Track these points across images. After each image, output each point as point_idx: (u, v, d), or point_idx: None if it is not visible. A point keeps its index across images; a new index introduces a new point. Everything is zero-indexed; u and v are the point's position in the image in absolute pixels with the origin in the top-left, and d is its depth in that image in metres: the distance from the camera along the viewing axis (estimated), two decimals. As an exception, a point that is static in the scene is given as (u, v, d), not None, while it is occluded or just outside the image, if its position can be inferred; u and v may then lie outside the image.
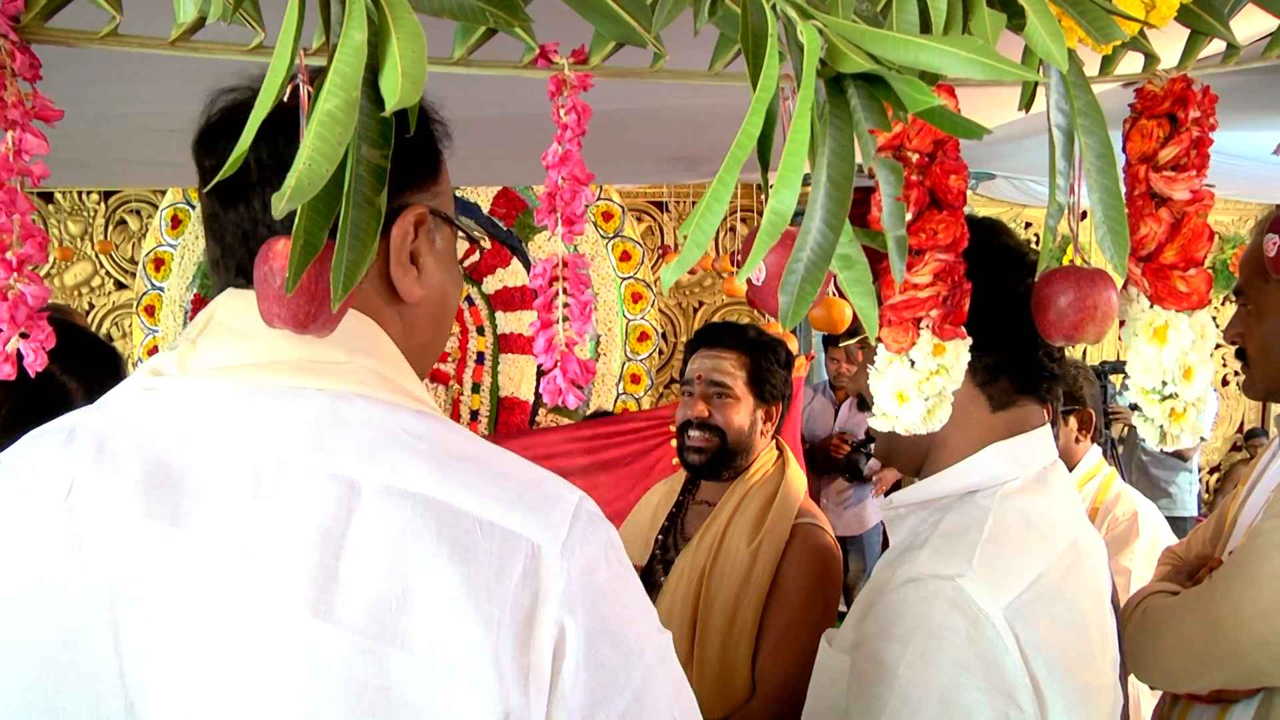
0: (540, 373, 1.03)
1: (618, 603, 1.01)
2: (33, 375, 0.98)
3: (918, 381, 1.22)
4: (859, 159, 0.79)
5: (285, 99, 0.82)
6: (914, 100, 0.68)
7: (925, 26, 0.85)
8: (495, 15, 0.84)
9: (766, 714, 2.29)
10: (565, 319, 1.01)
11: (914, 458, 1.62)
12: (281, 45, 0.73)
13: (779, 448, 2.73)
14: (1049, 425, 1.63)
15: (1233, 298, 2.15)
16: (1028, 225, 7.82)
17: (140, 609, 0.95)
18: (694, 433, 2.64)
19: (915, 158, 1.14)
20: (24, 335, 0.98)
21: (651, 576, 2.67)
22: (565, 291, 1.02)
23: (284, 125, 0.97)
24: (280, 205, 0.73)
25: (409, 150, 1.10)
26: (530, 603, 0.95)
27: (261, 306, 0.93)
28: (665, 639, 1.07)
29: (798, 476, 2.64)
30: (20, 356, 0.98)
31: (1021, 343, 1.53)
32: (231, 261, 1.08)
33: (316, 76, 0.81)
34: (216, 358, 1.04)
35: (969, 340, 1.24)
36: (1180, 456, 6.54)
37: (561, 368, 0.99)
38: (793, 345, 4.28)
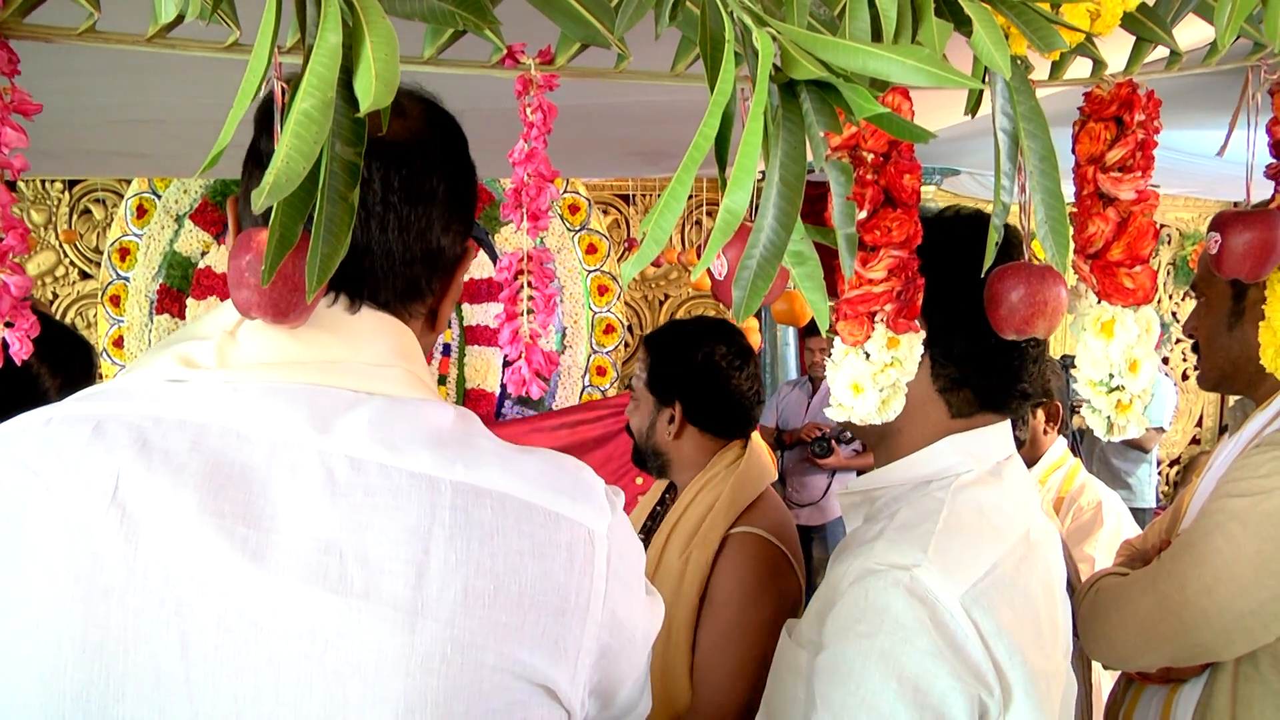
0: (506, 363, 1.07)
1: (637, 580, 1.10)
2: (19, 363, 0.99)
3: (872, 373, 1.26)
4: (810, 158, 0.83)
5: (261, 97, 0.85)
6: (861, 108, 0.72)
7: (877, 33, 0.89)
8: (465, 18, 0.87)
9: None
10: (530, 311, 1.04)
11: (870, 437, 1.65)
12: (259, 46, 0.76)
13: (744, 447, 2.57)
14: (1007, 421, 1.66)
15: (1193, 293, 2.22)
16: (991, 220, 7.89)
17: (210, 612, 0.91)
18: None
19: (870, 157, 1.18)
20: (8, 325, 1.00)
21: None
22: (530, 285, 1.05)
23: None
24: (259, 201, 0.76)
25: (473, 198, 1.16)
26: (589, 587, 1.01)
27: (236, 296, 0.95)
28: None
29: (750, 477, 2.49)
30: (5, 345, 0.99)
31: (990, 355, 1.54)
32: None
33: (292, 77, 0.84)
34: (261, 352, 1.03)
35: (922, 333, 1.28)
36: (1141, 448, 6.62)
37: (526, 359, 1.03)
38: (755, 339, 4.27)
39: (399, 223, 1.05)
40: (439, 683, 0.92)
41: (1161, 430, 6.81)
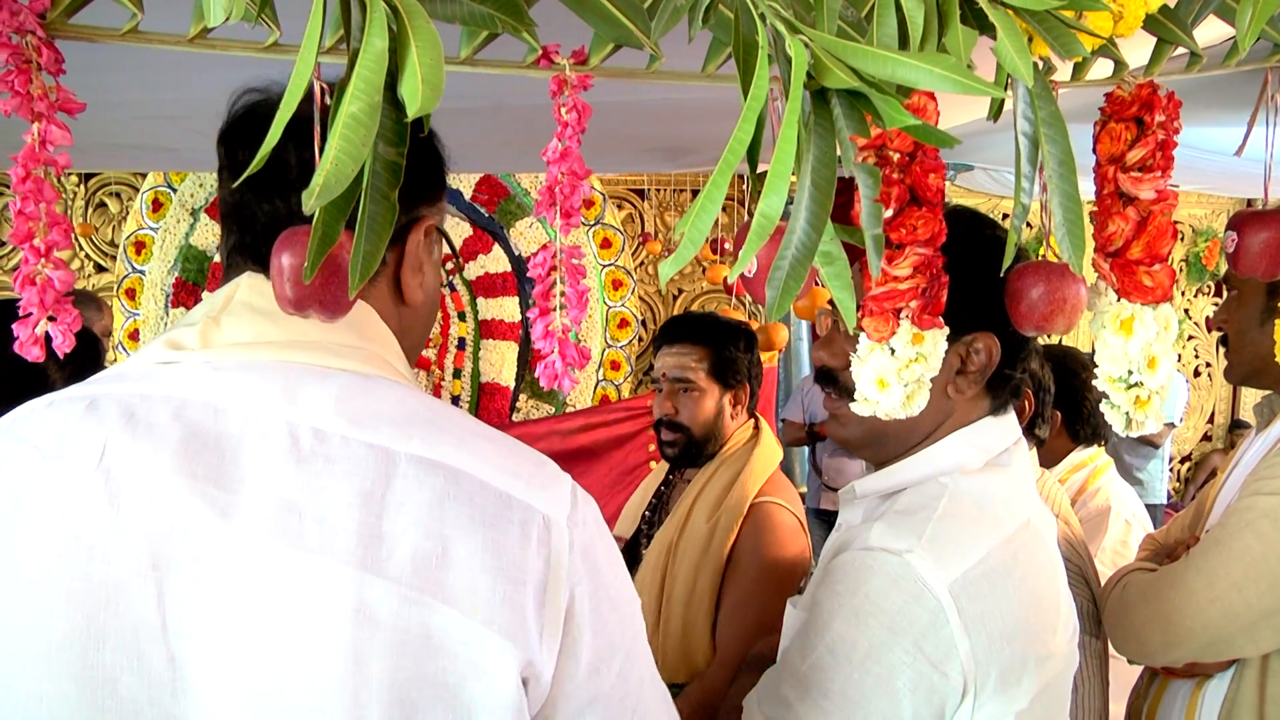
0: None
1: (612, 572, 1.13)
2: (61, 357, 1.02)
3: (897, 369, 1.28)
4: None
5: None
6: (892, 118, 0.74)
7: (904, 38, 0.91)
8: (504, 21, 0.90)
9: (720, 680, 2.41)
10: (562, 306, 1.06)
11: (902, 447, 1.67)
12: (305, 50, 0.78)
13: (757, 426, 2.85)
14: (1012, 410, 1.70)
15: (1205, 290, 2.24)
16: (1004, 216, 7.89)
17: (183, 566, 0.99)
18: (664, 430, 2.81)
19: (896, 157, 1.20)
20: (51, 319, 1.02)
21: (636, 550, 2.85)
22: (562, 280, 1.07)
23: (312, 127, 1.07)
24: (310, 202, 0.79)
25: (426, 167, 1.23)
26: (544, 568, 1.04)
27: (276, 291, 0.99)
28: (639, 604, 1.20)
29: (767, 454, 2.76)
30: (49, 339, 1.02)
31: (1016, 351, 1.64)
32: (259, 249, 1.16)
33: (334, 81, 0.87)
34: (240, 334, 1.11)
35: (946, 330, 1.30)
36: (1151, 444, 6.63)
37: (560, 353, 1.05)
38: (782, 337, 4.38)
39: (298, 198, 1.11)
40: (387, 636, 0.97)
41: (1172, 425, 6.81)
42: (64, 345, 1.02)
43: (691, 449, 2.79)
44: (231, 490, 1.01)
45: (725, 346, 2.80)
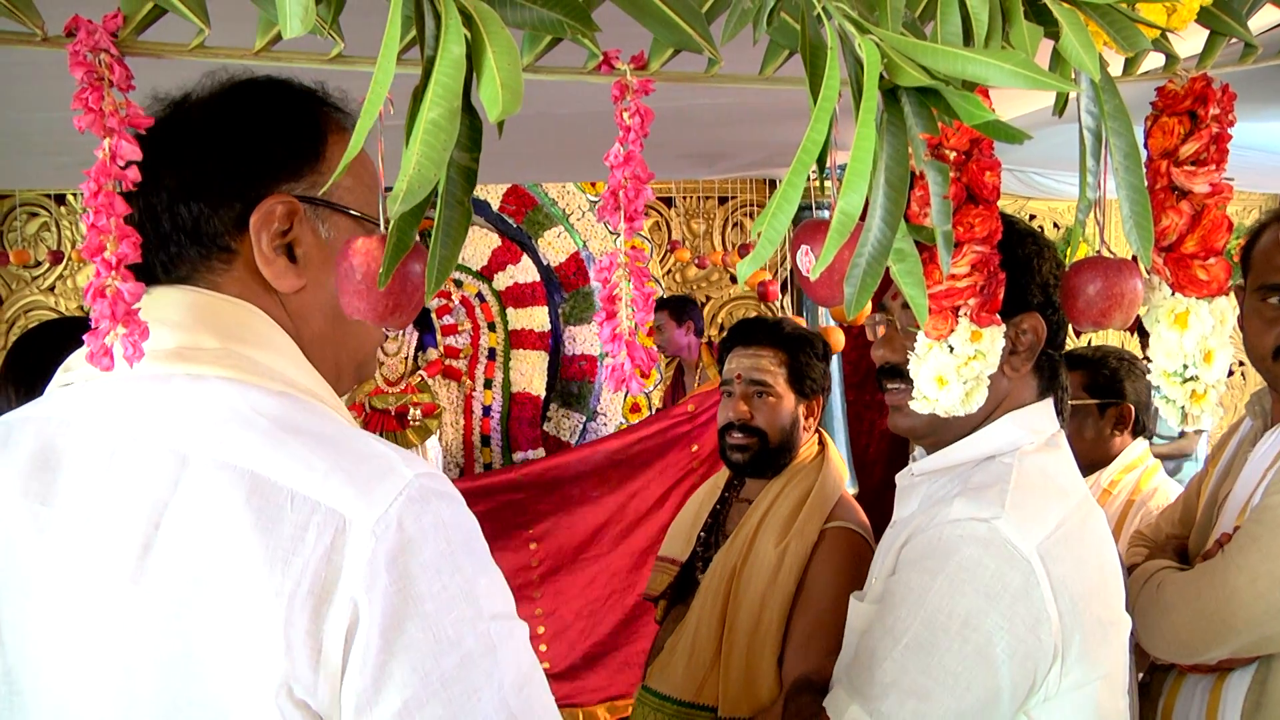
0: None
1: (438, 583, 0.98)
2: (130, 367, 1.02)
3: (956, 366, 1.30)
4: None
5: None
6: (969, 114, 0.75)
7: (966, 36, 0.92)
8: (573, 27, 0.91)
9: None
10: (630, 309, 1.07)
11: (963, 430, 1.72)
12: (384, 58, 0.80)
13: (821, 441, 2.68)
14: (1050, 398, 1.76)
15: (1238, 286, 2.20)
16: (1032, 217, 7.86)
17: (16, 581, 1.04)
18: (736, 434, 2.59)
19: (953, 155, 1.21)
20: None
21: (691, 573, 2.66)
22: (627, 279, 1.07)
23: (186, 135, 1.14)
24: (395, 208, 0.80)
25: (272, 141, 1.17)
26: (332, 577, 0.94)
27: (342, 300, 1.00)
28: (503, 626, 1.03)
29: (836, 473, 2.59)
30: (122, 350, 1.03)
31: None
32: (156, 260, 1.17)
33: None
34: None
35: (1003, 327, 1.31)
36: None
37: (630, 355, 1.05)
38: (838, 340, 4.25)
39: (144, 204, 1.14)
40: (152, 655, 0.97)
41: (1200, 432, 6.76)
42: (134, 357, 1.03)
43: (764, 457, 2.57)
44: (52, 505, 1.04)
45: (803, 353, 2.62)
